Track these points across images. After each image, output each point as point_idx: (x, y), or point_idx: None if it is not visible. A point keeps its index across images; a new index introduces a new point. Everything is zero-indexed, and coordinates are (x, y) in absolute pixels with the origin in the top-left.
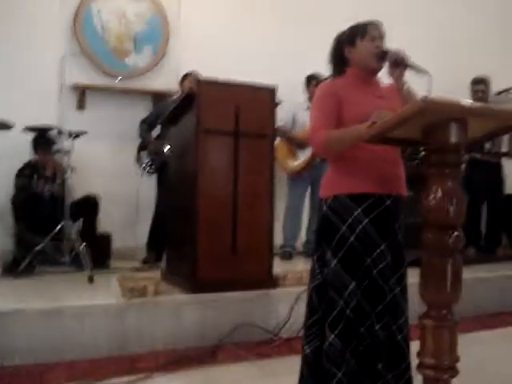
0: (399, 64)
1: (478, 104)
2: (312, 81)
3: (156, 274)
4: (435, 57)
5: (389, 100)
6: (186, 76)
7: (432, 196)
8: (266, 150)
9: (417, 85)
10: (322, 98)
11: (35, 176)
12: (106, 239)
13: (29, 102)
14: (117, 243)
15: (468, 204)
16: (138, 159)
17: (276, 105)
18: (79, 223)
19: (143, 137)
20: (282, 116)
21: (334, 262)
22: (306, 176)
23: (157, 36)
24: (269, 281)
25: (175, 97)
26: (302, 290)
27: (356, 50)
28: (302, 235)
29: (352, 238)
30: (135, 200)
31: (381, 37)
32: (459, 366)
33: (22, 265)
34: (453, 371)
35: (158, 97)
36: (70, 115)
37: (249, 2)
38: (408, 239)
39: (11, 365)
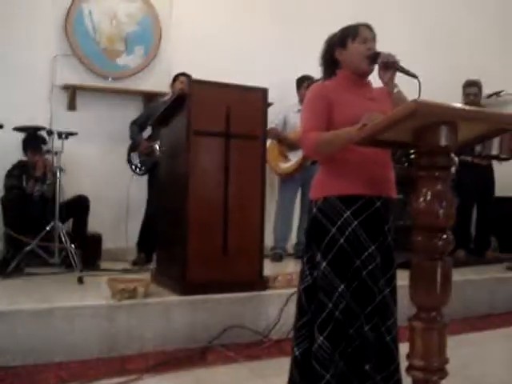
0: (390, 67)
1: (469, 107)
2: (303, 83)
3: (146, 275)
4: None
5: (379, 102)
6: (177, 77)
7: (422, 198)
8: (257, 151)
9: (408, 91)
10: (313, 100)
11: (25, 176)
12: (96, 240)
13: (19, 102)
14: (107, 244)
15: (458, 206)
16: (129, 160)
17: (268, 105)
18: (69, 224)
19: (134, 138)
20: (272, 118)
21: (324, 264)
22: (297, 178)
23: (148, 37)
24: (259, 282)
25: (166, 98)
26: (292, 292)
27: (347, 52)
28: (293, 237)
29: (342, 240)
30: (126, 201)
31: (372, 38)
32: (448, 367)
33: (11, 265)
34: (442, 373)
35: (149, 97)
36: (61, 115)
37: (239, 3)
38: (398, 241)
39: None
